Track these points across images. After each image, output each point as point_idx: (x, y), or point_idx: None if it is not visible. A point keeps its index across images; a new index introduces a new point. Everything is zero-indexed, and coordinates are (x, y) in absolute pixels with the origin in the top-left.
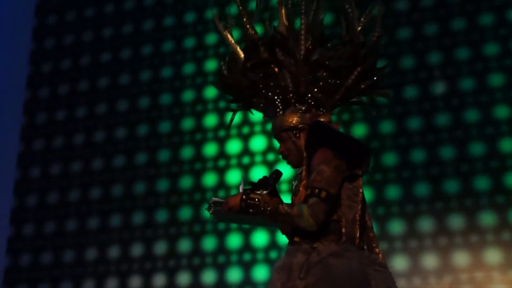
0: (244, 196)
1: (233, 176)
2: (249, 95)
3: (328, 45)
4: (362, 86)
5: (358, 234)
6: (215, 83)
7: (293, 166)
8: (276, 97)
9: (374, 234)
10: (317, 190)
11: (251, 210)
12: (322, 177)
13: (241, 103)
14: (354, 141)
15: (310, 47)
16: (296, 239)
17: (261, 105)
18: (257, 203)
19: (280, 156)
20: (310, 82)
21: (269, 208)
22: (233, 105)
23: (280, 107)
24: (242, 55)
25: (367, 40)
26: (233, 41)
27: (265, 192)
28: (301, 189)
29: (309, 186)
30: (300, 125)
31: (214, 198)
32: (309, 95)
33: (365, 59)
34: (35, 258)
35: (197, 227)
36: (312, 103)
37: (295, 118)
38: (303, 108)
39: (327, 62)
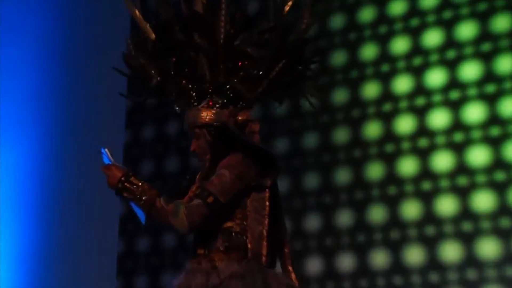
0: (123, 177)
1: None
2: (159, 82)
3: (252, 30)
4: (287, 78)
5: (265, 251)
6: (126, 62)
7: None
8: (190, 86)
9: (288, 250)
10: (206, 193)
11: (125, 194)
12: (219, 181)
13: (149, 90)
14: (263, 148)
15: (231, 30)
16: (200, 251)
17: (173, 94)
18: (134, 188)
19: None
20: (229, 71)
21: (144, 198)
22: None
23: (195, 97)
24: (153, 35)
25: (296, 27)
26: (142, 18)
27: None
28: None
29: (201, 186)
30: (215, 123)
31: (107, 151)
32: (228, 86)
33: (292, 48)
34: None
35: None
36: (231, 95)
37: (210, 114)
38: (220, 101)
39: (249, 50)
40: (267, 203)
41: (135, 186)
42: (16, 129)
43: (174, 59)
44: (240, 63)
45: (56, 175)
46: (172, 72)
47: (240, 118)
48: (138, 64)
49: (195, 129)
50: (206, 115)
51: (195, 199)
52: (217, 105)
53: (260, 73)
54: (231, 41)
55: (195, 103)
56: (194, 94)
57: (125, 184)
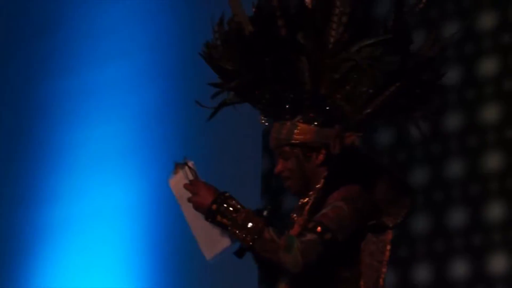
0: (219, 198)
1: None
2: (249, 84)
3: (368, 37)
4: (403, 103)
5: None
6: (205, 55)
7: (292, 192)
8: (285, 95)
9: None
10: (320, 228)
11: (219, 219)
12: (335, 215)
13: (235, 91)
14: (400, 179)
15: (344, 35)
16: None
17: (263, 100)
18: (232, 212)
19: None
20: (334, 83)
21: (249, 225)
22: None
23: (289, 109)
24: (250, 26)
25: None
26: (240, 4)
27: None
28: (296, 224)
29: (315, 219)
30: (315, 144)
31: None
32: (330, 101)
33: (413, 68)
34: None
35: None
36: (333, 113)
37: (310, 133)
38: (320, 118)
39: (362, 61)
40: (388, 247)
41: (234, 210)
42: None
43: (270, 59)
44: (348, 76)
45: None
46: (265, 75)
47: (347, 141)
48: (223, 58)
49: (285, 147)
50: (305, 133)
51: (308, 234)
52: (316, 122)
53: (370, 91)
54: (342, 47)
55: (288, 116)
56: (289, 105)
57: (223, 205)
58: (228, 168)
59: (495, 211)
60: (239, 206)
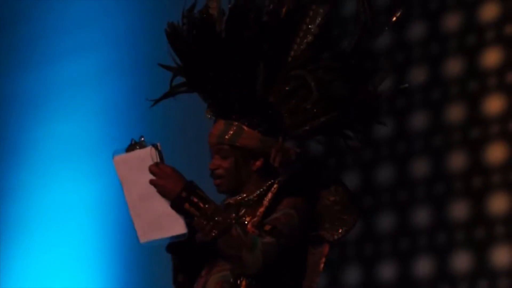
0: (190, 185)
1: None
2: (204, 77)
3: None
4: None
5: None
6: (168, 34)
7: (220, 190)
8: (237, 96)
9: None
10: (276, 232)
11: (187, 207)
12: (287, 221)
13: (189, 79)
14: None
15: (306, 52)
16: None
17: (215, 96)
18: (202, 202)
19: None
20: (284, 95)
21: (217, 218)
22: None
23: (237, 111)
24: (222, 23)
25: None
26: None
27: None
28: (248, 225)
29: (269, 223)
30: (256, 151)
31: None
32: (275, 111)
33: (363, 102)
34: None
35: None
36: (276, 123)
37: (255, 139)
38: (264, 126)
39: (313, 83)
40: (323, 260)
41: (204, 200)
42: None
43: (231, 58)
44: (297, 91)
45: None
46: (223, 72)
47: (287, 155)
48: (185, 43)
49: (225, 146)
50: (249, 137)
51: (267, 236)
52: (260, 129)
53: (314, 110)
54: (300, 64)
55: (234, 116)
56: (237, 106)
57: (192, 194)
58: (194, 165)
59: (460, 210)
60: (207, 197)
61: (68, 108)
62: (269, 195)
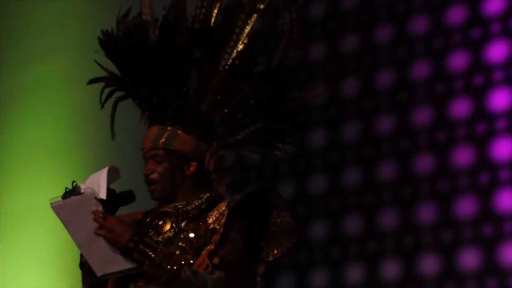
0: (136, 235)
1: None
2: (138, 83)
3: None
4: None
5: None
6: (102, 42)
7: (155, 196)
8: (171, 102)
9: None
10: (226, 264)
11: (136, 256)
12: (234, 249)
13: (123, 86)
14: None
15: (237, 61)
16: None
17: (149, 102)
18: (150, 251)
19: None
20: (216, 103)
21: (166, 266)
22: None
23: (171, 117)
24: (155, 30)
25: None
26: (150, 2)
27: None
28: (202, 252)
29: (218, 254)
30: (190, 155)
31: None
32: (208, 118)
33: (292, 113)
34: None
35: None
36: (209, 130)
37: (189, 144)
38: (198, 132)
39: (244, 91)
40: (258, 279)
41: (151, 249)
42: None
43: (164, 65)
44: (228, 101)
45: None
46: (156, 79)
47: (220, 158)
48: (119, 50)
49: (160, 151)
50: (184, 142)
51: (217, 272)
52: (194, 134)
53: (245, 120)
54: (231, 73)
55: (168, 122)
56: (171, 113)
57: (140, 244)
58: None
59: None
60: (155, 245)
61: (38, 112)
62: (222, 220)
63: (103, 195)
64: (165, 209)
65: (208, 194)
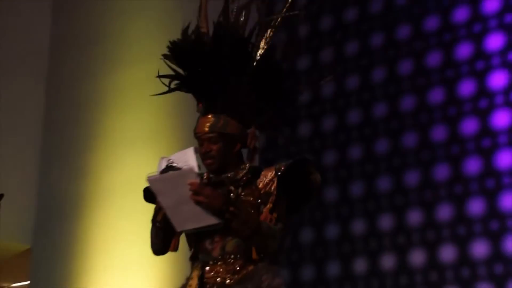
0: (226, 200)
1: None
2: (201, 80)
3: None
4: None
5: None
6: (171, 50)
7: (212, 170)
8: (222, 95)
9: None
10: (282, 217)
11: (228, 216)
12: (284, 206)
13: (187, 83)
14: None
15: (260, 63)
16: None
17: (206, 95)
18: (237, 212)
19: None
20: (250, 96)
21: (250, 221)
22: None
23: (222, 107)
24: (210, 40)
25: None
26: (206, 17)
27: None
28: (264, 209)
29: (276, 211)
30: (237, 137)
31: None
32: (246, 109)
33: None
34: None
35: None
36: (247, 118)
37: (237, 129)
38: (241, 120)
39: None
40: None
41: (238, 209)
42: None
43: (219, 68)
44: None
45: None
46: (216, 79)
47: (258, 140)
48: (183, 57)
49: (215, 134)
50: (234, 127)
51: (278, 223)
52: (238, 121)
53: (262, 104)
54: (258, 71)
55: (218, 110)
56: (222, 103)
57: (230, 205)
58: None
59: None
60: (241, 205)
61: (133, 106)
62: (273, 185)
63: (197, 170)
64: (218, 179)
65: (247, 166)
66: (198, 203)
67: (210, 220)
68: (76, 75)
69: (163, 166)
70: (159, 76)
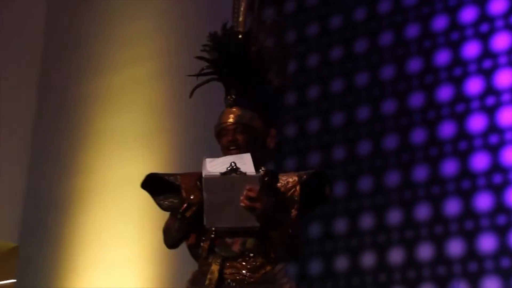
0: (268, 205)
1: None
2: (233, 75)
3: None
4: None
5: None
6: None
7: None
8: (252, 92)
9: None
10: (300, 224)
11: (271, 225)
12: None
13: (221, 76)
14: None
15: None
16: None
17: (236, 88)
18: (275, 216)
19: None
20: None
21: (284, 222)
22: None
23: (249, 103)
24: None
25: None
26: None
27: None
28: (292, 215)
29: (299, 218)
30: (260, 133)
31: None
32: (267, 109)
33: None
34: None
35: None
36: (267, 119)
37: (261, 126)
38: (265, 116)
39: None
40: None
41: (275, 213)
42: None
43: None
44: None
45: None
46: (247, 76)
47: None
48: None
49: (242, 125)
50: (259, 122)
51: (293, 210)
52: (262, 118)
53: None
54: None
55: (248, 106)
56: (250, 99)
57: (271, 213)
58: None
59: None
60: (277, 209)
61: (124, 107)
62: (296, 191)
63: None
64: None
65: (264, 168)
66: (250, 208)
67: (250, 223)
68: (68, 76)
69: (208, 166)
70: (199, 58)
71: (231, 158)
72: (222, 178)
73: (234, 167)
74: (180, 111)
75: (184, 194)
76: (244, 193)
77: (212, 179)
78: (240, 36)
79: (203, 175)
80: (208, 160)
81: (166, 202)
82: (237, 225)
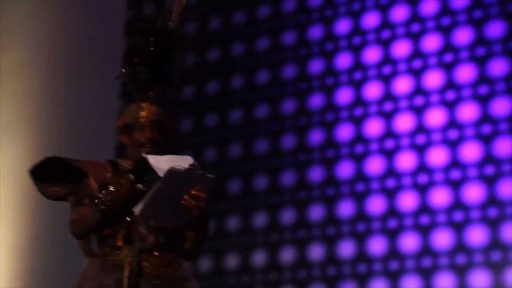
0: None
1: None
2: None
3: None
4: None
5: None
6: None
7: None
8: (164, 92)
9: None
10: None
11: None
12: None
13: (150, 69)
14: None
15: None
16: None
17: (157, 85)
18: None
19: (151, 140)
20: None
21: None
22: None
23: (161, 102)
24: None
25: None
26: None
27: None
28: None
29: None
30: (170, 131)
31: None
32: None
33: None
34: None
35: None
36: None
37: (171, 124)
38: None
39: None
40: None
41: None
42: None
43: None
44: None
45: None
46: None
47: None
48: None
49: (158, 123)
50: (170, 121)
51: None
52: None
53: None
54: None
55: (162, 106)
56: (164, 99)
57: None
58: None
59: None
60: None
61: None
62: None
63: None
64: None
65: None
66: (192, 207)
67: (177, 222)
68: None
69: (153, 162)
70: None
71: (174, 158)
72: (185, 173)
73: (196, 167)
74: (53, 100)
75: (92, 183)
76: (193, 192)
77: (176, 172)
78: (170, 29)
79: (169, 167)
80: (150, 156)
81: (50, 190)
82: (164, 224)
